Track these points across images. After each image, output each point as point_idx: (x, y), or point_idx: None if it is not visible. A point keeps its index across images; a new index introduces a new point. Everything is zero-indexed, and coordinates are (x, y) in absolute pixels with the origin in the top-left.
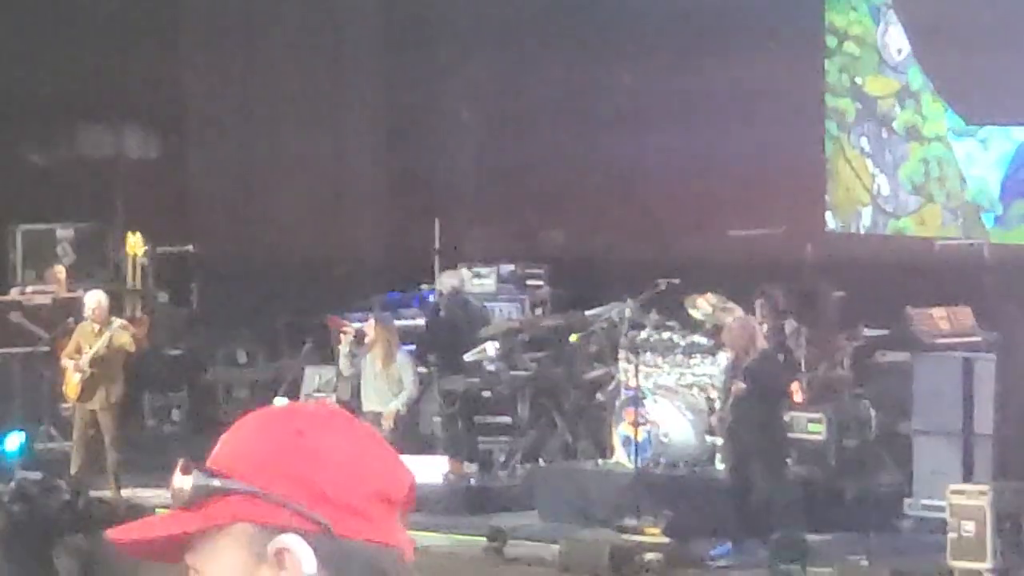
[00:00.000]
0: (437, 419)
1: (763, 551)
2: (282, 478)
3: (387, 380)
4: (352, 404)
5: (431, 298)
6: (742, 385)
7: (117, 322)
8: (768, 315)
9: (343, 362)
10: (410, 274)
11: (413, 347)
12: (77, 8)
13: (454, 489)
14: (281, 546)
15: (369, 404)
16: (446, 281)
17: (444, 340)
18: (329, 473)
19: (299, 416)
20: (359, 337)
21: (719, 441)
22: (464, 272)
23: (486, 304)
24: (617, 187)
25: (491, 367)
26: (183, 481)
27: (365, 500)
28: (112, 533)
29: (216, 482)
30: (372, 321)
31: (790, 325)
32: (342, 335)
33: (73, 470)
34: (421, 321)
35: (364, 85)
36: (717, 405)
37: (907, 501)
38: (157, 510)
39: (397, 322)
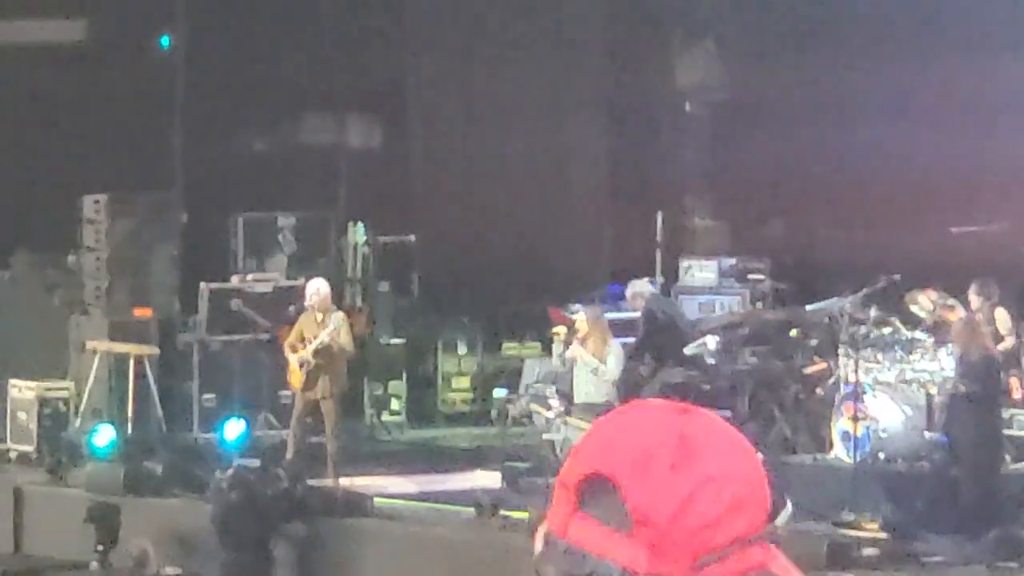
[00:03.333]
0: None
1: (982, 548)
2: None
3: (598, 372)
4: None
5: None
6: (961, 383)
7: (340, 315)
8: (982, 307)
9: (556, 359)
10: (632, 266)
11: (631, 340)
12: None
13: None
14: None
15: (580, 396)
16: (631, 292)
17: (659, 337)
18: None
19: (697, 470)
20: (570, 330)
21: (937, 437)
22: (684, 264)
23: (707, 296)
24: (840, 182)
25: (711, 360)
26: None
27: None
28: None
29: None
30: (582, 313)
31: (1002, 314)
32: (554, 335)
33: (288, 457)
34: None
35: (589, 76)
36: (937, 401)
37: None
38: (376, 499)
39: (616, 315)
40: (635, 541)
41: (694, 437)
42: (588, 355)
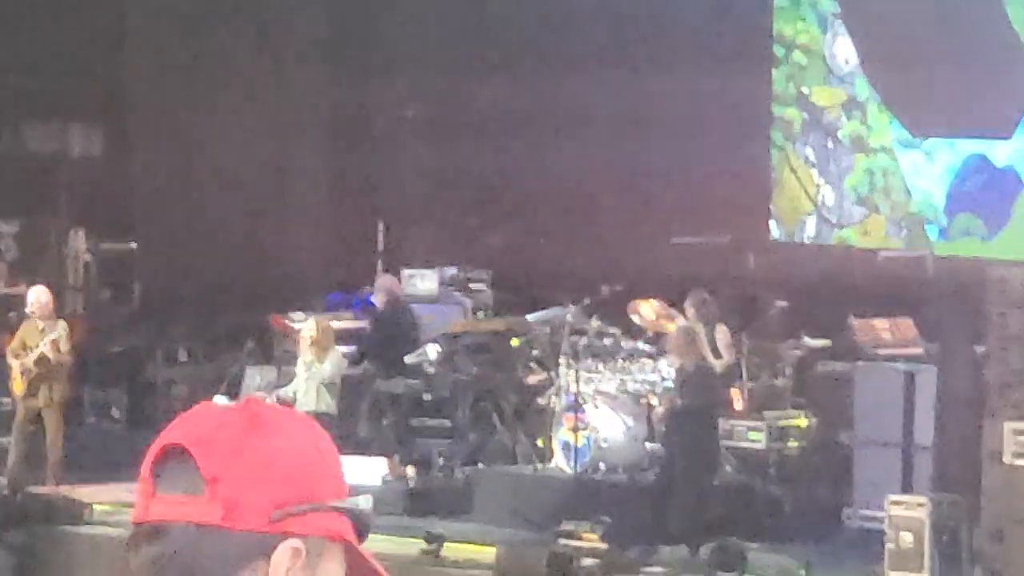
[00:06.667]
0: (376, 421)
1: (701, 559)
2: None
3: (319, 379)
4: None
5: (372, 300)
6: (679, 395)
7: (61, 323)
8: (698, 318)
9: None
10: (352, 276)
11: (352, 348)
12: (20, 3)
13: (392, 491)
14: None
15: (301, 405)
16: (381, 285)
17: (383, 342)
18: None
19: None
20: (292, 336)
21: (658, 448)
22: (405, 274)
23: (428, 306)
24: (562, 192)
25: (432, 370)
26: None
27: None
28: None
29: None
30: (309, 321)
31: (722, 331)
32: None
33: (9, 465)
34: (362, 323)
35: (309, 85)
36: (657, 412)
37: (846, 511)
38: (94, 506)
39: (337, 323)
40: (209, 499)
41: (264, 414)
42: (313, 362)
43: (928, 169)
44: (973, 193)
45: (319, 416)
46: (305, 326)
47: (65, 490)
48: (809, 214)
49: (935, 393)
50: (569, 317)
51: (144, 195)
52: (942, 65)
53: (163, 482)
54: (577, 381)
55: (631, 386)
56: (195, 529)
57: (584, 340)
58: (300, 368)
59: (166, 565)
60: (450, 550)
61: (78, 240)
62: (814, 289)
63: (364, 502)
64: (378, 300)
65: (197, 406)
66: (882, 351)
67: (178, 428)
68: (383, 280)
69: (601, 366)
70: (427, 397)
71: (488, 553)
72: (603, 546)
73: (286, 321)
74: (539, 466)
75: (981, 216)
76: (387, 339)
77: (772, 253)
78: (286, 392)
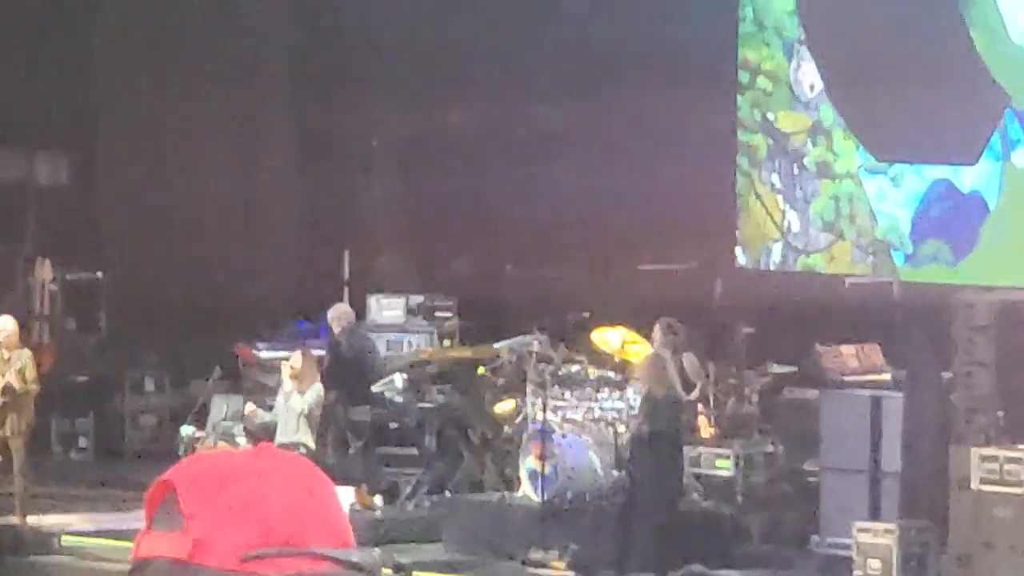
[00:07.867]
0: (342, 450)
1: None
2: None
3: (298, 411)
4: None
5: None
6: (646, 422)
7: (27, 353)
8: (666, 345)
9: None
10: (319, 304)
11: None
12: None
13: (360, 521)
14: None
15: (279, 436)
16: (333, 314)
17: (342, 369)
18: None
19: None
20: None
21: (625, 476)
22: (373, 302)
23: (394, 334)
24: (528, 220)
25: (398, 398)
26: None
27: None
28: None
29: None
30: (296, 353)
31: (690, 360)
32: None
33: None
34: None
35: (276, 113)
36: (624, 440)
37: (814, 538)
38: (62, 536)
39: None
40: (184, 535)
41: (262, 459)
42: (292, 393)
43: (894, 195)
44: (939, 219)
45: (295, 448)
46: (294, 362)
47: (32, 520)
48: (775, 240)
49: (902, 419)
50: (536, 345)
51: (110, 224)
52: (907, 91)
53: (156, 520)
54: (544, 409)
55: (598, 414)
56: (168, 565)
57: (551, 368)
58: (280, 399)
59: None
60: None
61: (44, 269)
62: (780, 315)
63: (361, 555)
64: (333, 328)
65: (214, 450)
66: (849, 377)
67: (176, 468)
68: (335, 308)
69: (568, 394)
70: (394, 426)
71: None
72: (571, 574)
73: (252, 351)
74: (506, 494)
75: (948, 242)
76: (346, 366)
77: (738, 279)
78: (263, 418)
